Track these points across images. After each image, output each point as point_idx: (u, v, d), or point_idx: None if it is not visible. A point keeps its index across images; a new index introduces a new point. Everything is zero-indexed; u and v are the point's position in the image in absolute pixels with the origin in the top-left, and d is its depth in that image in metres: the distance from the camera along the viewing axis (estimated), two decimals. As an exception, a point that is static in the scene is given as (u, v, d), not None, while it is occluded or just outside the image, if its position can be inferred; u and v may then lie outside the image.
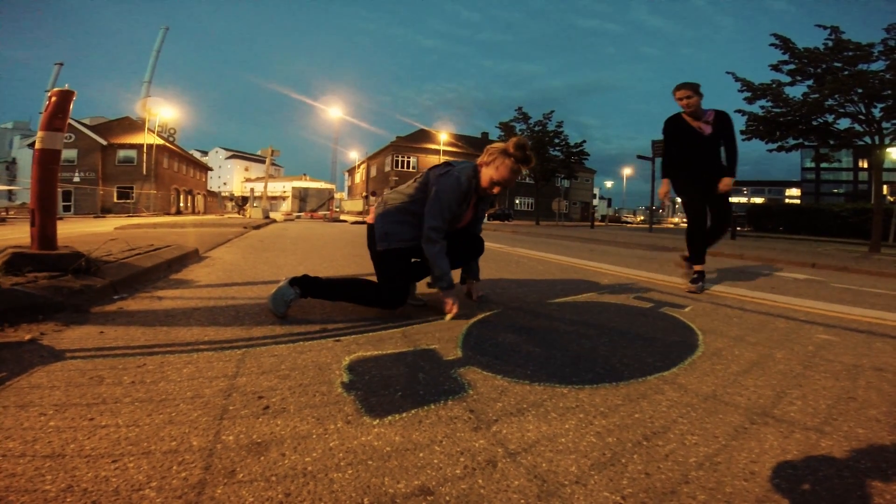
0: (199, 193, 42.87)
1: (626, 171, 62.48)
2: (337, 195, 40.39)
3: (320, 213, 27.84)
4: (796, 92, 10.48)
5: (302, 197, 34.54)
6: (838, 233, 17.80)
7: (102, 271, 2.29)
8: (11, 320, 1.63)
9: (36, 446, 0.86)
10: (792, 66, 10.19)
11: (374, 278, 2.08)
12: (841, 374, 1.48)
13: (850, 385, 1.38)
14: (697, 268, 3.16)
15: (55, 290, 1.87)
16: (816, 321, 2.29)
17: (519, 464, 0.87)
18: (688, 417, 1.11)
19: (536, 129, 26.19)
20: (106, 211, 26.18)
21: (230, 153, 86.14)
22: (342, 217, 22.10)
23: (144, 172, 29.83)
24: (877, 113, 9.35)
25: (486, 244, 2.41)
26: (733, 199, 3.44)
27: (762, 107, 10.81)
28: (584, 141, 27.08)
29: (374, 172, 45.67)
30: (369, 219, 2.15)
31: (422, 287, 2.45)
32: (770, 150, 11.30)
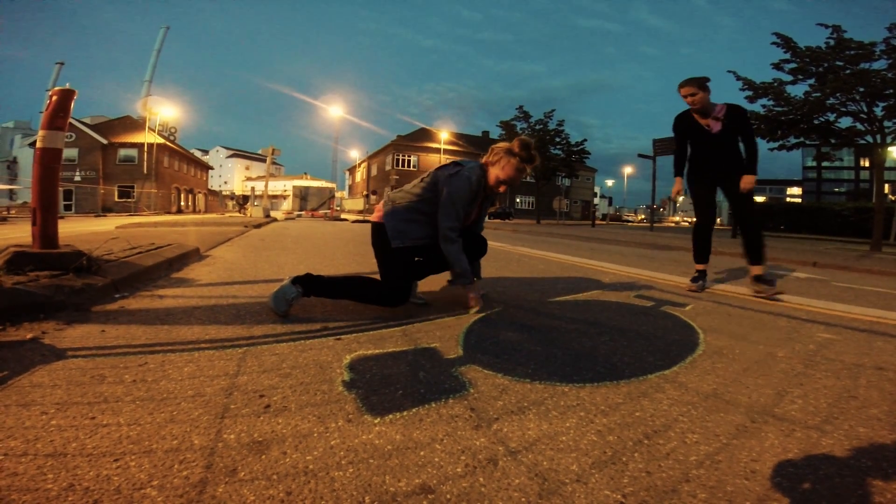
0: (199, 192, 42.89)
1: (627, 170, 62.43)
2: (338, 194, 40.40)
3: (321, 211, 27.84)
4: (798, 91, 10.48)
5: (303, 196, 34.55)
6: (839, 232, 17.78)
7: (104, 270, 2.30)
8: (13, 319, 1.63)
9: (37, 445, 0.86)
10: (793, 65, 10.18)
11: (376, 276, 2.08)
12: (842, 373, 1.47)
13: (852, 384, 1.38)
14: (699, 267, 3.15)
15: (56, 289, 1.87)
16: (818, 320, 2.29)
17: (520, 462, 0.87)
18: (689, 416, 1.11)
19: (537, 128, 26.18)
20: (107, 210, 26.21)
21: (231, 152, 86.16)
22: (343, 216, 22.10)
23: (145, 171, 29.86)
24: (878, 112, 9.33)
25: (488, 243, 2.42)
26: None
27: (763, 105, 10.80)
28: (585, 140, 27.07)
29: (374, 171, 45.66)
30: (375, 217, 2.16)
31: (422, 286, 2.45)
32: (771, 149, 11.30)
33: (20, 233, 6.94)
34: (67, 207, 27.01)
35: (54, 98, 2.25)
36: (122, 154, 30.95)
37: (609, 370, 1.41)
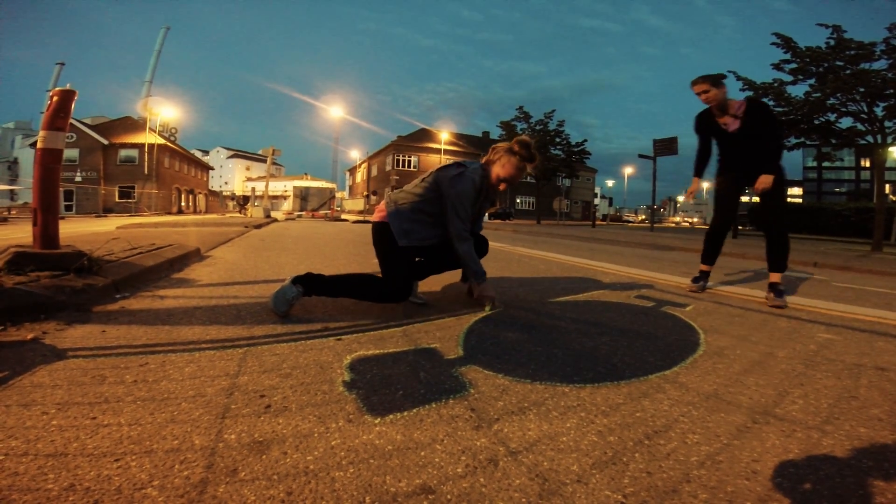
0: (200, 193, 42.94)
1: (628, 171, 62.36)
2: (338, 194, 40.38)
3: (321, 212, 27.83)
4: (798, 91, 10.50)
5: (303, 196, 34.56)
6: (840, 232, 17.77)
7: (104, 270, 2.30)
8: (14, 319, 1.63)
9: (38, 445, 0.86)
10: (794, 65, 10.18)
11: (377, 275, 2.09)
12: (843, 374, 1.47)
13: (852, 384, 1.38)
14: (703, 267, 3.10)
15: (57, 289, 1.87)
16: (818, 320, 2.29)
17: (520, 462, 0.87)
18: (689, 416, 1.11)
19: (538, 128, 26.19)
20: (107, 210, 26.24)
21: (231, 152, 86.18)
22: (343, 216, 22.10)
23: (146, 172, 29.89)
24: (879, 112, 9.34)
25: (489, 242, 2.42)
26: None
27: (764, 106, 10.79)
28: (586, 140, 27.07)
29: (375, 172, 45.67)
30: (376, 217, 2.17)
31: (423, 286, 2.45)
32: (772, 149, 11.29)
33: (21, 233, 6.95)
34: (68, 208, 27.04)
35: (55, 98, 2.26)
36: (122, 154, 30.99)
37: (610, 370, 1.41)
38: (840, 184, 53.13)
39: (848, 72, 9.27)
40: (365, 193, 39.77)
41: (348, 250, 5.00)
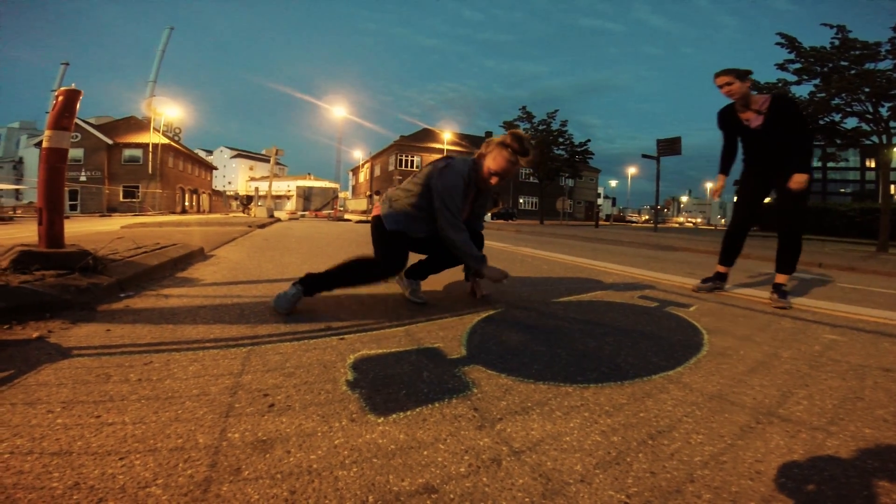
0: (204, 192, 43.09)
1: (631, 171, 62.15)
2: (341, 194, 40.45)
3: (324, 212, 27.88)
4: (803, 91, 10.44)
5: (306, 196, 34.59)
6: (845, 232, 17.65)
7: (109, 269, 2.31)
8: (19, 318, 1.64)
9: (43, 443, 0.87)
10: (798, 66, 10.13)
11: None
12: (848, 374, 1.46)
13: (857, 385, 1.37)
14: (719, 269, 3.04)
15: (62, 288, 1.88)
16: (823, 321, 2.28)
17: (523, 462, 0.87)
18: (693, 417, 1.10)
19: (541, 128, 26.15)
20: (112, 210, 26.37)
21: (235, 152, 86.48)
22: (346, 216, 22.13)
23: (150, 172, 30.04)
24: (884, 112, 9.27)
25: (490, 243, 2.42)
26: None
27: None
28: (589, 140, 27.00)
29: (378, 171, 45.72)
30: (374, 213, 2.23)
31: (424, 286, 2.45)
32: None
33: (26, 232, 7.00)
34: (73, 207, 27.19)
35: (60, 98, 2.27)
36: (126, 154, 31.17)
37: (613, 370, 1.41)
38: (845, 184, 52.85)
39: (853, 72, 9.22)
40: (368, 193, 39.85)
41: (351, 250, 5.00)
